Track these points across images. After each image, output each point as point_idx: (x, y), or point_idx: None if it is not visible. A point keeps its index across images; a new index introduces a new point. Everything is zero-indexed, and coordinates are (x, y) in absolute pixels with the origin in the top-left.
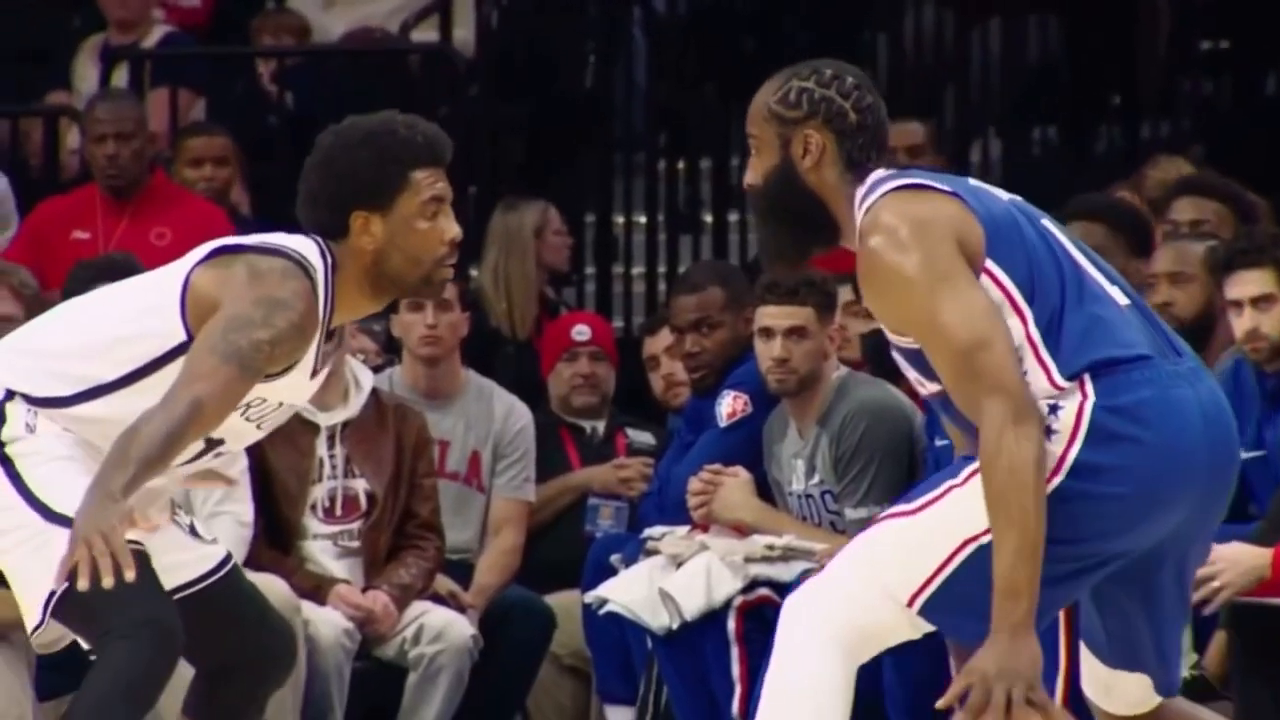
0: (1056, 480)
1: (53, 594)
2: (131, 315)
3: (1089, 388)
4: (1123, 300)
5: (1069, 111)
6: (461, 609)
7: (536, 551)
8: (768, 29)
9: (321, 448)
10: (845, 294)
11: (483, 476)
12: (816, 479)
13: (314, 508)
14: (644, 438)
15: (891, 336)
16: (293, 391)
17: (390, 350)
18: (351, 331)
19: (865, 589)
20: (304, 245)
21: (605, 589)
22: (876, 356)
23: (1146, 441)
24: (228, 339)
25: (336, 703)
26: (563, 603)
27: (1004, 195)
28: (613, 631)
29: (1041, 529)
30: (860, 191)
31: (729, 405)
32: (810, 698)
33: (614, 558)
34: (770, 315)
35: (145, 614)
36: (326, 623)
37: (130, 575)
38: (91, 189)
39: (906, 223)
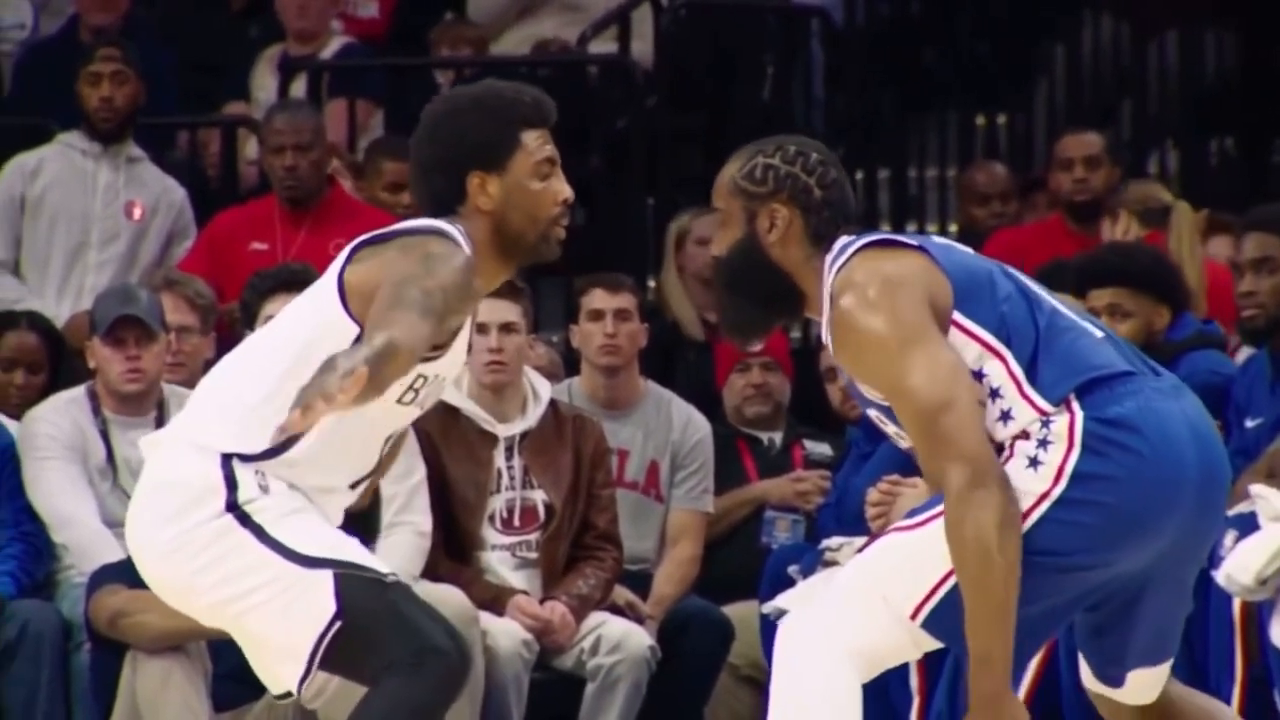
0: (1058, 489)
1: (320, 640)
2: (299, 339)
3: (1075, 405)
4: (1098, 333)
5: (1246, 123)
6: (640, 619)
7: (714, 562)
8: (945, 40)
9: (500, 459)
10: None
11: (661, 487)
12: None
13: (492, 519)
14: (821, 449)
15: (865, 392)
16: (452, 366)
17: (568, 362)
18: (530, 342)
19: (867, 606)
20: (439, 223)
21: (783, 599)
22: None
23: (1140, 450)
24: (403, 293)
25: (515, 714)
26: (740, 613)
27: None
28: None
29: (1011, 592)
30: (829, 259)
31: None
32: (826, 703)
33: (791, 568)
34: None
35: (427, 643)
36: (505, 634)
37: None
38: (269, 200)
39: (876, 281)
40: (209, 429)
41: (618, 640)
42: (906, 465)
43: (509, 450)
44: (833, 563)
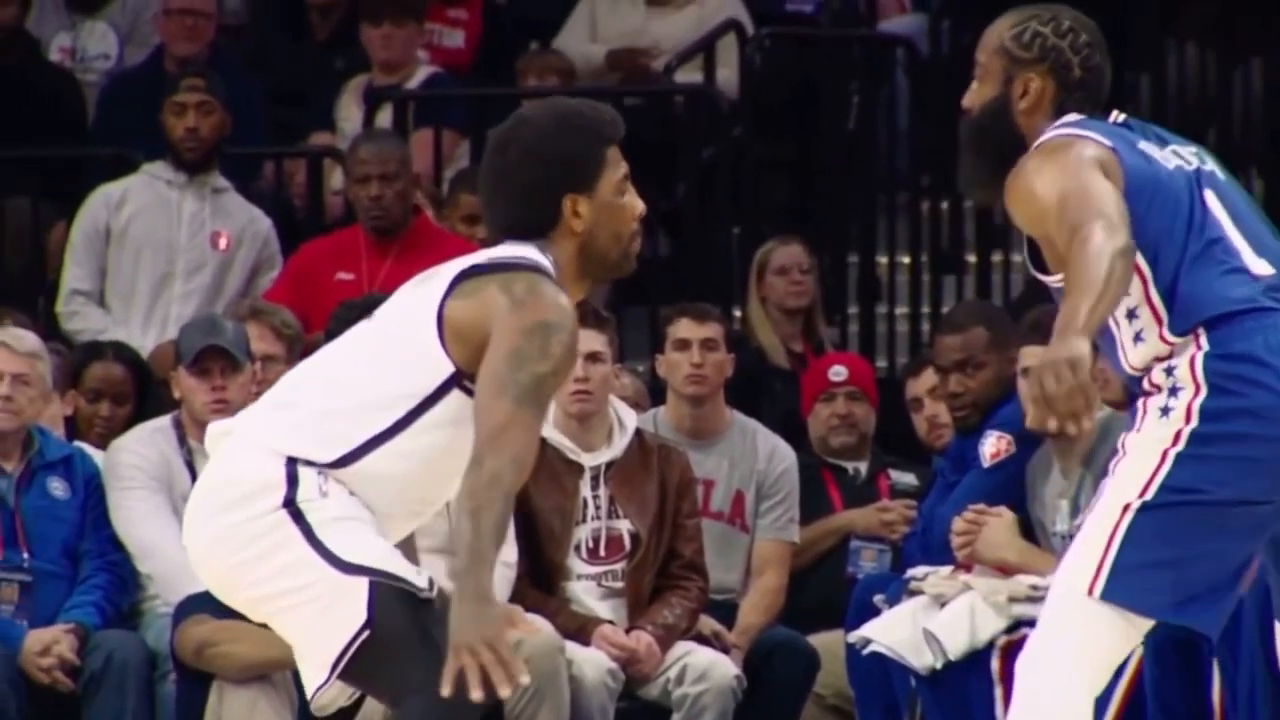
0: (1189, 427)
1: (347, 649)
2: (389, 360)
3: (1202, 340)
4: (1263, 270)
5: None
6: (725, 649)
7: (799, 592)
8: None
9: (585, 488)
10: None
11: (746, 516)
12: (1080, 519)
13: (578, 548)
14: (907, 479)
15: (1045, 278)
16: None
17: (654, 391)
18: (615, 372)
19: (1062, 611)
20: (531, 252)
21: (869, 629)
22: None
23: (1265, 381)
24: (516, 380)
25: None
26: (826, 643)
27: (1183, 161)
28: (876, 671)
29: (1113, 297)
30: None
31: (993, 445)
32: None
33: (877, 598)
34: (1033, 355)
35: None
36: (590, 663)
37: (524, 681)
38: (355, 230)
39: (1058, 147)
40: (279, 433)
41: (703, 670)
42: (992, 495)
43: (595, 480)
44: (918, 592)
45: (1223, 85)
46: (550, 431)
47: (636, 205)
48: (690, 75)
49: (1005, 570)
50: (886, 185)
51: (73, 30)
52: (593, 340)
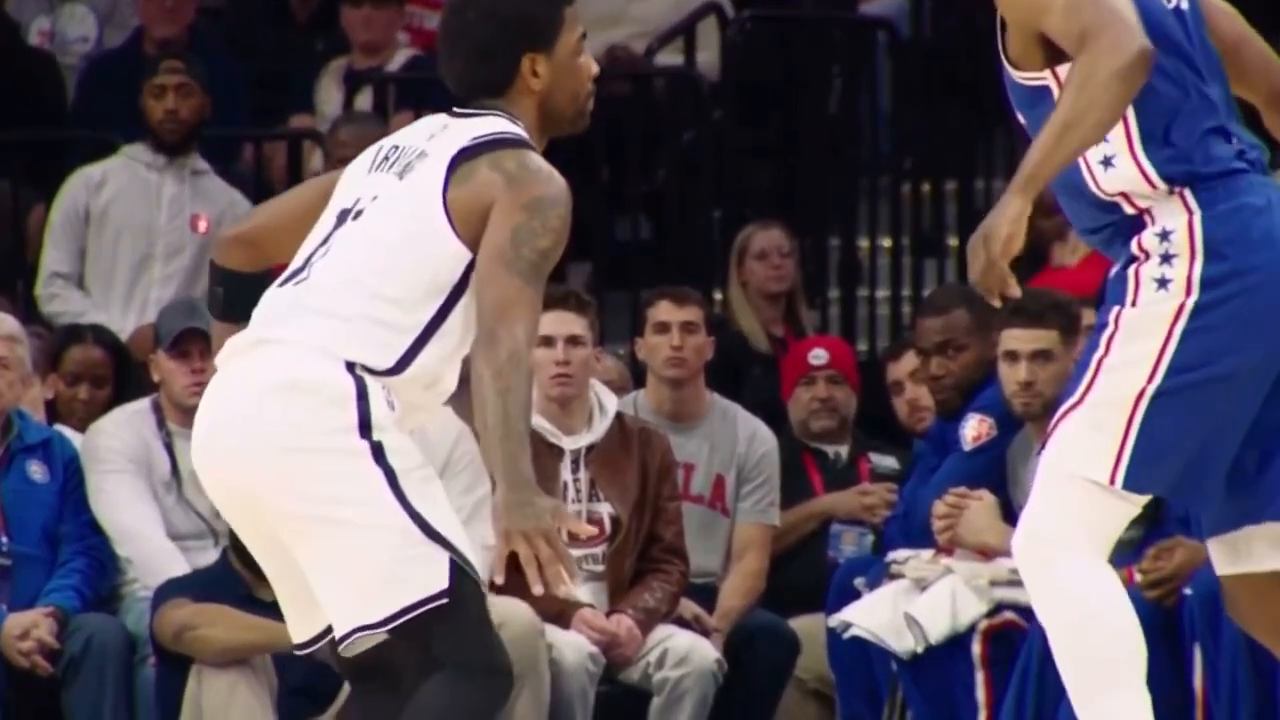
0: (1191, 299)
1: (419, 605)
2: (410, 256)
3: (1191, 202)
4: (1235, 127)
5: None
6: (706, 633)
7: (780, 575)
8: None
9: (565, 472)
10: (1088, 317)
11: (727, 500)
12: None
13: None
14: (887, 462)
15: (1010, 71)
16: None
17: (635, 374)
18: (596, 355)
19: (1071, 496)
20: (505, 123)
21: (849, 613)
22: None
23: (1257, 238)
24: (521, 255)
25: None
26: (807, 627)
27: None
28: (857, 655)
29: (1097, 128)
30: None
31: (974, 429)
32: (1090, 610)
33: (858, 581)
34: (1015, 338)
35: (500, 662)
36: (570, 647)
37: (576, 584)
38: None
39: None
40: (335, 339)
41: (684, 654)
42: (973, 478)
43: (575, 463)
44: (899, 576)
45: None
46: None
47: (591, 66)
48: (671, 58)
49: (986, 554)
50: (868, 168)
51: (52, 13)
52: (573, 323)
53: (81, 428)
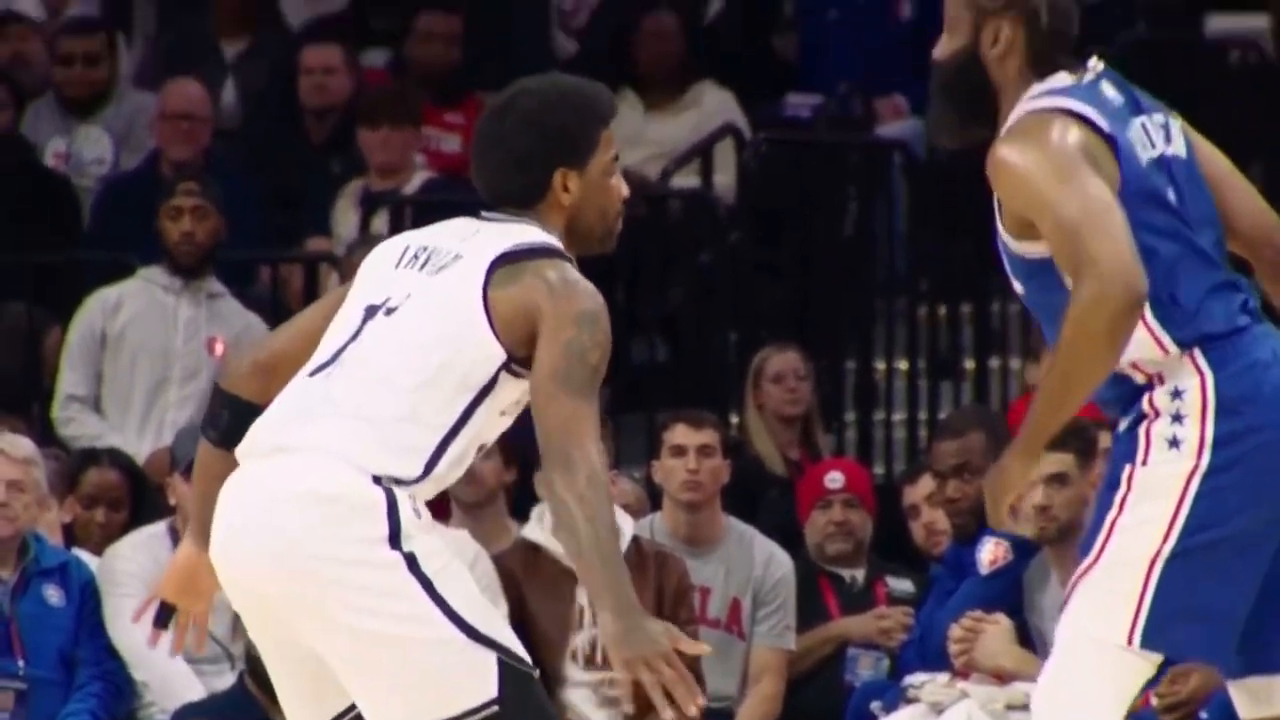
0: (1204, 461)
1: (467, 715)
2: (441, 354)
3: (1202, 363)
4: (1227, 276)
5: None
6: None
7: (796, 699)
8: None
9: (582, 595)
10: (1104, 440)
11: (743, 624)
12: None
13: (574, 655)
14: (904, 586)
15: (1004, 241)
16: None
17: (651, 498)
18: (612, 479)
19: (1090, 658)
20: (539, 233)
21: None
22: None
23: (1268, 394)
24: (577, 373)
25: None
26: None
27: (1152, 140)
28: None
29: (1095, 380)
30: (1033, 89)
31: (990, 552)
32: None
33: (874, 705)
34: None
35: None
36: None
37: (701, 704)
38: None
39: (1046, 125)
40: (358, 447)
41: None
42: (989, 602)
43: None
44: (915, 700)
45: None
46: (547, 539)
47: (623, 188)
48: (687, 179)
49: (1002, 678)
50: (884, 290)
51: (68, 135)
52: None
53: (98, 551)
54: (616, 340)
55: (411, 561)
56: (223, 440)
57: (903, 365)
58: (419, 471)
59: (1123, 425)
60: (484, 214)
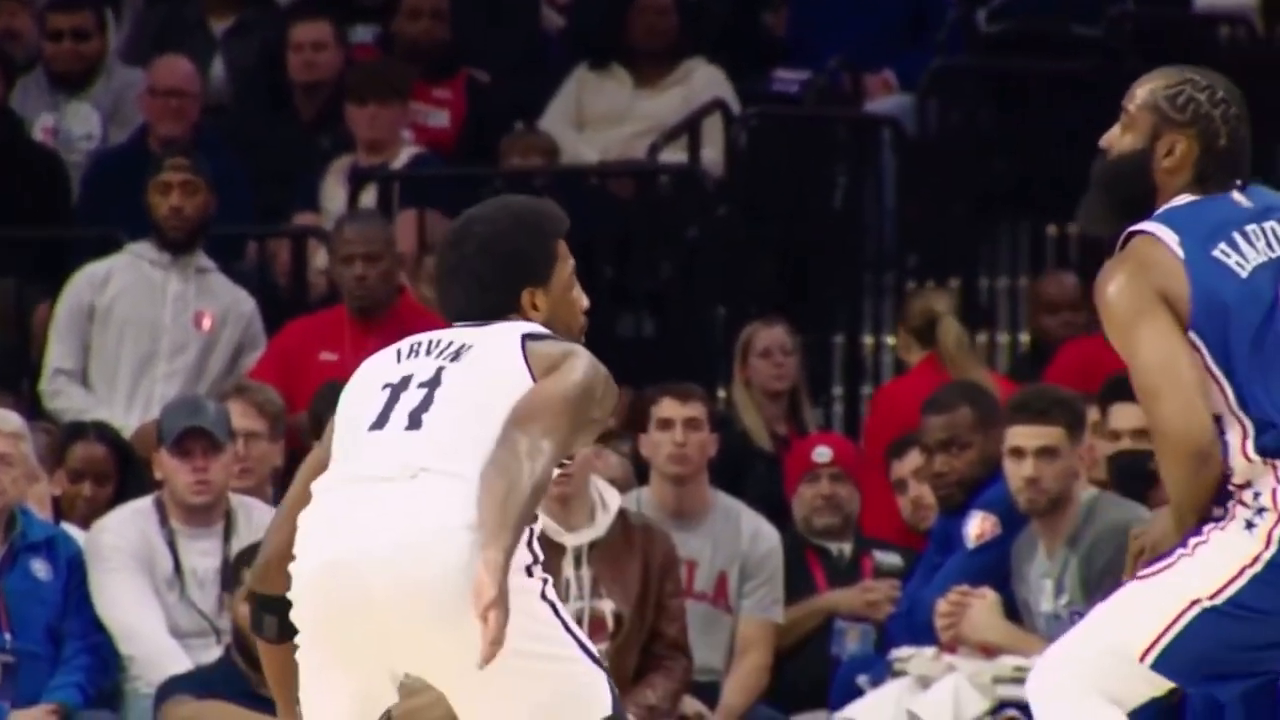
0: (1269, 553)
1: None
2: (504, 402)
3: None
4: None
5: None
6: None
7: (783, 672)
8: (1017, 149)
9: (568, 568)
10: (1093, 414)
11: (730, 597)
12: (1065, 599)
13: None
14: (891, 559)
15: None
16: None
17: (638, 471)
18: (598, 451)
19: (1101, 652)
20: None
21: (853, 709)
22: (1123, 478)
23: None
24: (578, 398)
25: None
26: None
27: (1272, 250)
28: None
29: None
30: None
31: (977, 526)
32: None
33: (861, 678)
34: (1021, 435)
35: None
36: None
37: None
38: (339, 310)
39: (1129, 255)
40: (463, 489)
41: None
42: (976, 575)
43: (577, 560)
44: (902, 673)
45: None
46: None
47: (583, 298)
48: (675, 155)
49: (990, 651)
50: (873, 265)
51: (57, 110)
52: None
53: (85, 525)
54: (604, 314)
55: (545, 588)
56: (283, 636)
57: (891, 340)
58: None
59: (1217, 510)
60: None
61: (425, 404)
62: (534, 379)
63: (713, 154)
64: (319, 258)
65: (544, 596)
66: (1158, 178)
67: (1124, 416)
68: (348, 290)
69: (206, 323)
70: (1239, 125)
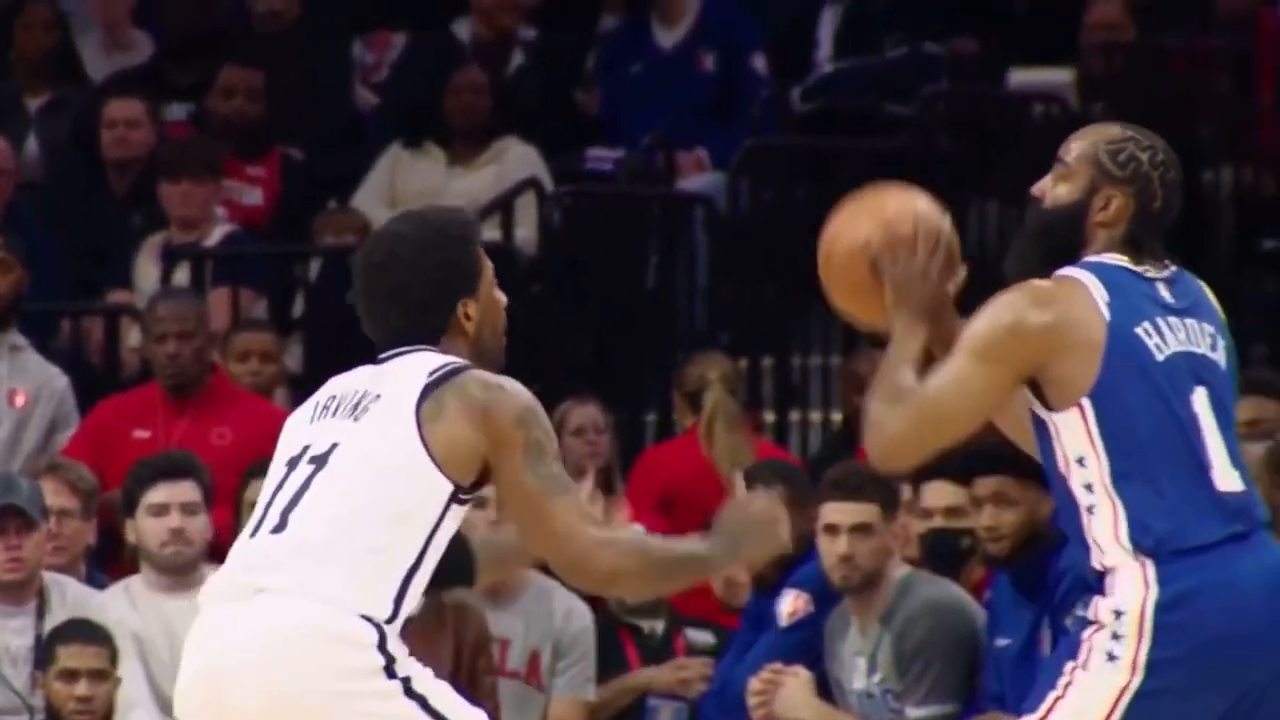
0: (1135, 681)
1: None
2: (390, 496)
3: (1150, 575)
4: (1227, 486)
5: None
6: None
7: None
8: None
9: None
10: (906, 493)
11: (542, 676)
12: (878, 677)
13: None
14: (703, 637)
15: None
16: None
17: None
18: None
19: None
20: (439, 356)
21: None
22: (935, 556)
23: (1207, 628)
24: (546, 476)
25: None
26: None
27: (1192, 344)
28: None
29: None
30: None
31: (790, 604)
32: None
33: None
34: (835, 512)
35: None
36: None
37: None
38: (152, 388)
39: (1021, 294)
40: (336, 587)
41: None
42: (789, 653)
43: None
44: None
45: None
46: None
47: (503, 298)
48: (489, 233)
49: None
50: (684, 343)
51: None
52: None
53: None
54: None
55: (407, 686)
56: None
57: None
58: (389, 613)
59: (1071, 620)
60: (381, 356)
61: (300, 494)
62: (423, 439)
63: (526, 232)
64: (132, 335)
65: (411, 693)
66: (1090, 230)
67: (937, 494)
68: (160, 368)
69: (20, 400)
70: (1174, 192)
